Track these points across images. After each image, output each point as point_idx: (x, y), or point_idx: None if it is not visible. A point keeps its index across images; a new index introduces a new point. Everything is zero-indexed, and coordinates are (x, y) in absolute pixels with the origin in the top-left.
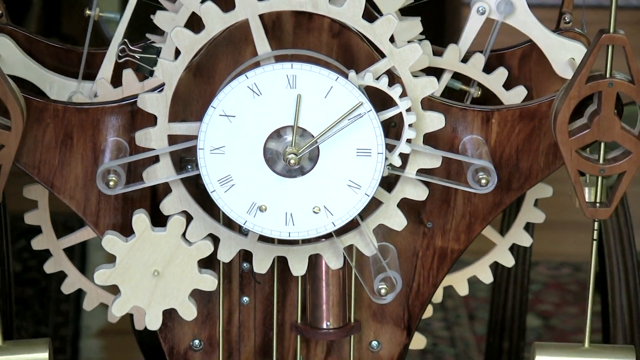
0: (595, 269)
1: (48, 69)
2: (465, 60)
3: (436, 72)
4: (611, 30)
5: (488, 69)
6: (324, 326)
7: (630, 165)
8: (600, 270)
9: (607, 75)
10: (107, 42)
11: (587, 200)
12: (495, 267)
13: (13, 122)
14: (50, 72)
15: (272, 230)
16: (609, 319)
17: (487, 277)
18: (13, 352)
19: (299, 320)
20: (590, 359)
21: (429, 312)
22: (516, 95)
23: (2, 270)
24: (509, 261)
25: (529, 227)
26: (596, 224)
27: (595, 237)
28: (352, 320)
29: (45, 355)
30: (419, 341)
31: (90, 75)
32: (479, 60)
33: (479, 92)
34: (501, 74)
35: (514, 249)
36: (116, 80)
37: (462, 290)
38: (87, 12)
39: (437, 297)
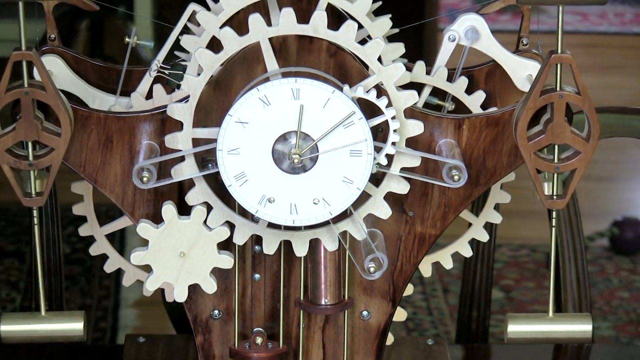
0: (556, 250)
1: (92, 85)
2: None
3: (414, 86)
4: (559, 51)
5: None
6: (323, 303)
7: (581, 163)
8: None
9: (557, 89)
10: (142, 62)
11: (545, 193)
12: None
13: (63, 130)
14: (93, 88)
15: (279, 218)
16: (561, 292)
17: (467, 252)
18: (53, 322)
19: (301, 297)
20: (554, 325)
21: (409, 290)
22: (476, 99)
23: (54, 252)
24: (484, 237)
25: (497, 208)
26: (554, 212)
27: (554, 224)
28: (346, 297)
29: (80, 325)
30: (401, 314)
31: (125, 92)
32: (443, 72)
33: (453, 106)
34: (462, 82)
35: (474, 242)
36: (148, 93)
37: (447, 264)
38: (127, 39)
39: (427, 271)
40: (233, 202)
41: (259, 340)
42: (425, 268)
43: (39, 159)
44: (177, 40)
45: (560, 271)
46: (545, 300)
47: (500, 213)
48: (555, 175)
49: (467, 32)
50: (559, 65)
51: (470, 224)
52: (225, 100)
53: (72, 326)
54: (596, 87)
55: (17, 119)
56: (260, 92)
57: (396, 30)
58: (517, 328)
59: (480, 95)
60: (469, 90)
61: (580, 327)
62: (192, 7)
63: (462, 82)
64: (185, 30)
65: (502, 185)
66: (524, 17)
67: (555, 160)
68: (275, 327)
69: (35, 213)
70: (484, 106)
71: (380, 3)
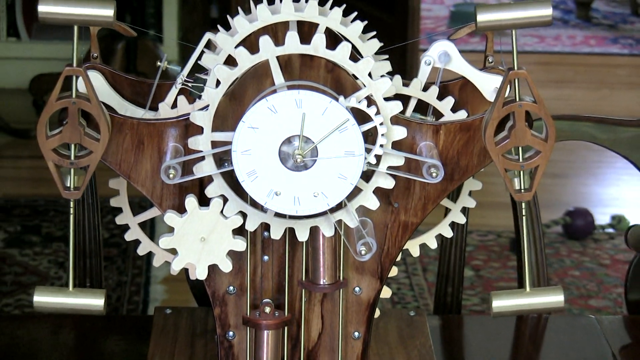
0: (522, 235)
1: (125, 97)
2: (425, 89)
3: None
4: (515, 68)
5: (438, 97)
6: (321, 283)
7: (542, 160)
8: (516, 236)
9: (517, 100)
10: (170, 78)
11: (515, 188)
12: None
13: (101, 137)
14: (125, 101)
15: (284, 208)
16: (522, 271)
17: (448, 233)
18: (78, 297)
19: (303, 278)
20: (532, 298)
21: (394, 271)
22: (446, 103)
23: (95, 237)
24: (461, 219)
25: (470, 194)
26: (523, 204)
27: (524, 213)
28: (341, 278)
29: (101, 301)
30: (386, 292)
31: (153, 108)
32: (417, 83)
33: (434, 120)
34: (434, 90)
35: (454, 225)
36: (173, 103)
37: (432, 244)
38: (158, 63)
39: (415, 252)
40: (245, 195)
41: (267, 309)
42: (414, 249)
43: (79, 159)
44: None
45: (522, 254)
46: (509, 278)
47: (472, 200)
48: (521, 172)
49: (440, 56)
50: (516, 80)
51: (449, 209)
52: (239, 108)
53: (94, 302)
54: (551, 98)
55: (63, 123)
56: (269, 102)
57: (387, 58)
58: (501, 303)
59: (449, 101)
60: (442, 98)
61: (554, 299)
62: (208, 35)
63: (434, 90)
64: (206, 48)
65: (474, 175)
66: (488, 39)
67: (520, 160)
68: (281, 299)
69: (72, 204)
70: (454, 110)
71: (366, 22)
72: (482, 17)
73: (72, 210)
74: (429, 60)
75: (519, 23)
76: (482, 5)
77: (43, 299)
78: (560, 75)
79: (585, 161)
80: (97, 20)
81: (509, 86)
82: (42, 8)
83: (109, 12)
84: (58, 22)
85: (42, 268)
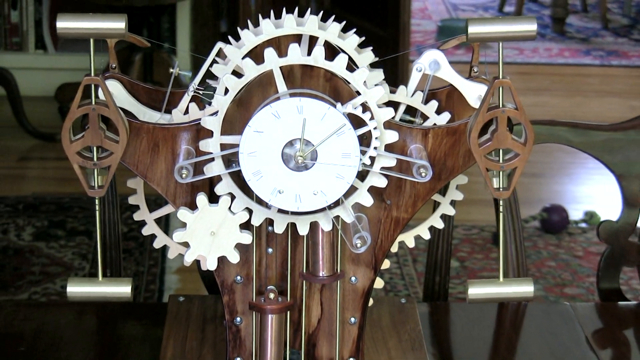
0: (504, 229)
1: (142, 103)
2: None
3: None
4: (500, 77)
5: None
6: (320, 275)
7: (520, 162)
8: (498, 230)
9: (500, 106)
10: (182, 86)
11: (494, 186)
12: (433, 230)
13: (120, 138)
14: (143, 106)
15: (286, 205)
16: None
17: (439, 224)
18: (107, 286)
19: (304, 271)
20: (504, 288)
21: (386, 264)
22: (430, 108)
23: (114, 231)
24: (451, 211)
25: (457, 188)
26: (501, 201)
27: (501, 210)
28: (339, 270)
29: (128, 289)
30: (379, 283)
31: (167, 111)
32: (403, 90)
33: (422, 122)
34: (419, 95)
35: (444, 218)
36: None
37: (426, 235)
38: (170, 69)
39: (411, 243)
40: (251, 193)
41: (271, 295)
42: (409, 240)
43: (101, 160)
44: (208, 69)
45: (499, 246)
46: (491, 268)
47: (460, 193)
48: (501, 172)
49: (430, 64)
50: (501, 88)
51: (437, 204)
52: (245, 114)
53: (122, 290)
54: (530, 105)
55: (85, 128)
56: (273, 108)
57: (379, 66)
58: (476, 291)
59: (433, 104)
60: (427, 103)
61: (524, 289)
62: (219, 45)
63: (419, 95)
64: (216, 60)
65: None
66: (474, 51)
67: (501, 161)
68: (284, 287)
69: (97, 201)
70: (439, 113)
71: (363, 38)
72: (473, 29)
73: (97, 207)
74: (420, 67)
75: (506, 36)
76: (473, 18)
77: (76, 289)
78: (538, 84)
79: (561, 162)
80: (110, 33)
81: (493, 93)
82: (60, 24)
83: (120, 25)
84: (75, 36)
85: (66, 259)
